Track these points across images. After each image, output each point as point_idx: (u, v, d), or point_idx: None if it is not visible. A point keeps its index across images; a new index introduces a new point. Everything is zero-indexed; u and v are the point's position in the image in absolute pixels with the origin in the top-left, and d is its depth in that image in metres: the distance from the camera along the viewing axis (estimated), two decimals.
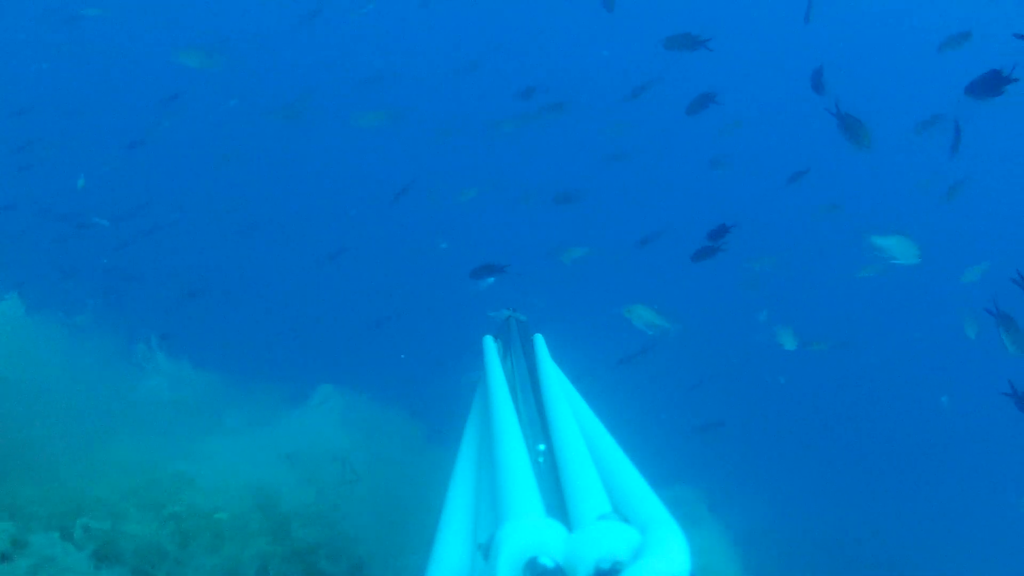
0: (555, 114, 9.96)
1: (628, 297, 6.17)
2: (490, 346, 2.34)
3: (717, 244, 6.17)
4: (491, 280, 7.32)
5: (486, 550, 1.29)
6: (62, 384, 4.52)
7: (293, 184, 19.00)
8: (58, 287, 10.17)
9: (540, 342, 2.38)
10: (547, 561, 1.16)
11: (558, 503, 1.53)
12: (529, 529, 1.25)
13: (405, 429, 6.44)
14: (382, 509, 4.71)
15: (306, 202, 18.73)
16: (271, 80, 17.04)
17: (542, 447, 1.75)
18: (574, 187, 10.93)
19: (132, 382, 5.07)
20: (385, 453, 5.65)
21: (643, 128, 13.71)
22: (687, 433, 9.28)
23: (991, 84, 5.03)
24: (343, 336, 13.92)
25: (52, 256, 12.39)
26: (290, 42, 17.91)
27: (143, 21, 18.98)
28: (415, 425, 6.53)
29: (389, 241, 16.22)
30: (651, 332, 6.07)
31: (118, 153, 13.68)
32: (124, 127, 14.34)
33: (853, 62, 18.28)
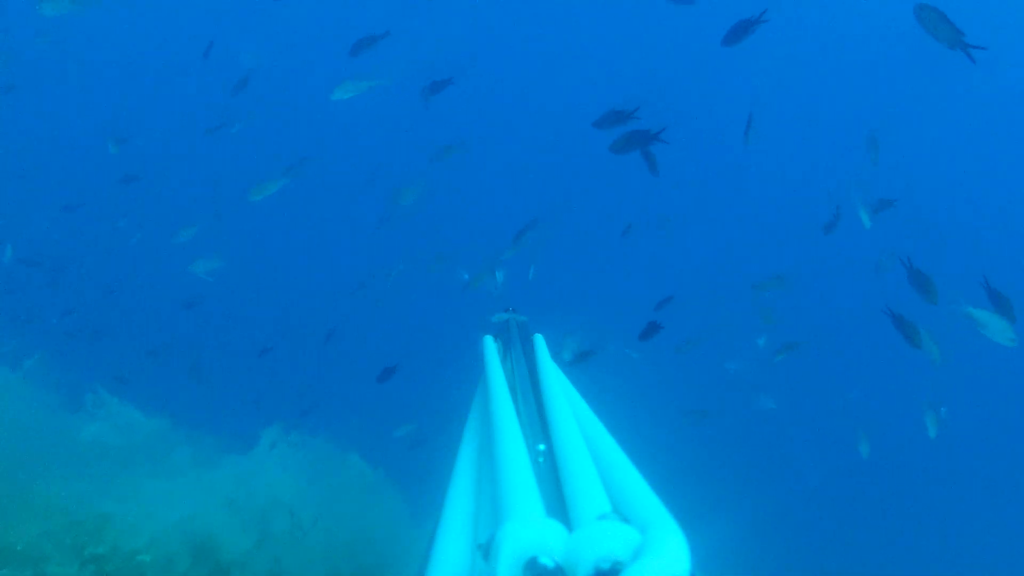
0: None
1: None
2: (490, 346, 2.33)
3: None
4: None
5: (486, 550, 1.29)
6: None
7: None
8: (9, 335, 10.23)
9: (540, 342, 2.38)
10: (547, 561, 1.15)
11: (558, 503, 1.52)
12: (529, 529, 1.25)
13: (359, 476, 6.29)
14: (331, 560, 4.61)
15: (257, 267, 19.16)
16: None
17: (542, 447, 1.75)
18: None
19: (76, 427, 5.01)
20: (336, 502, 5.50)
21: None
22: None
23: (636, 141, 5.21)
24: (296, 377, 14.02)
25: (5, 305, 12.52)
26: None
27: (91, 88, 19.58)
28: (370, 472, 6.39)
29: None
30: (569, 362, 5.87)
31: (54, 215, 13.98)
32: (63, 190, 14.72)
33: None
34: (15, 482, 3.79)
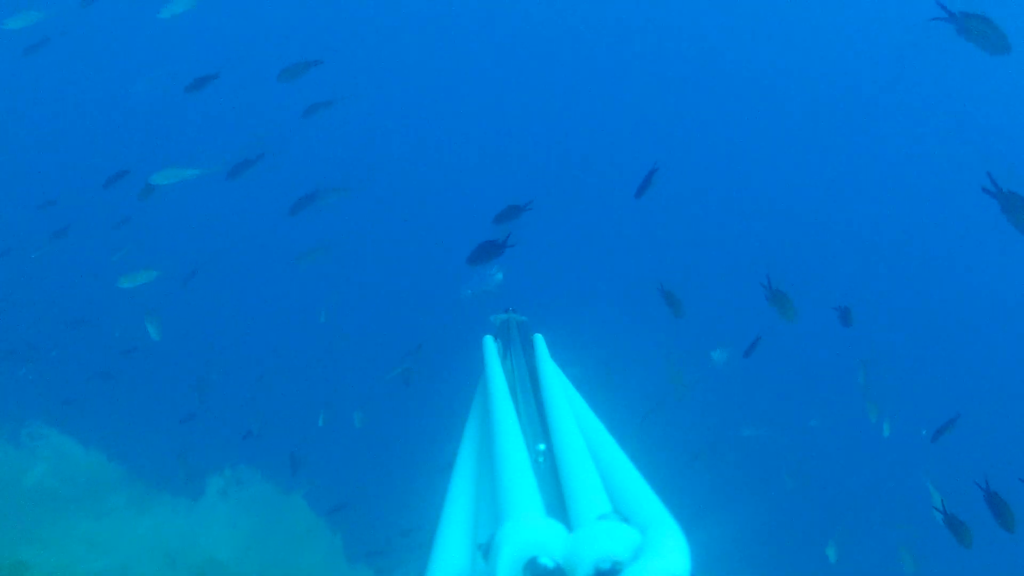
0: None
1: None
2: (490, 346, 2.33)
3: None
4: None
5: (486, 550, 1.28)
6: None
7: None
8: None
9: (540, 342, 2.38)
10: (547, 561, 1.15)
11: (558, 503, 1.52)
12: (529, 529, 1.25)
13: (301, 521, 5.95)
14: None
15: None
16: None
17: (542, 447, 1.75)
18: None
19: (19, 470, 4.92)
20: (275, 550, 5.22)
21: None
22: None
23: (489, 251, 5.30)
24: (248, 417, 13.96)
25: None
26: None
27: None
28: (312, 516, 6.11)
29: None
30: None
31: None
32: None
33: None
34: None
